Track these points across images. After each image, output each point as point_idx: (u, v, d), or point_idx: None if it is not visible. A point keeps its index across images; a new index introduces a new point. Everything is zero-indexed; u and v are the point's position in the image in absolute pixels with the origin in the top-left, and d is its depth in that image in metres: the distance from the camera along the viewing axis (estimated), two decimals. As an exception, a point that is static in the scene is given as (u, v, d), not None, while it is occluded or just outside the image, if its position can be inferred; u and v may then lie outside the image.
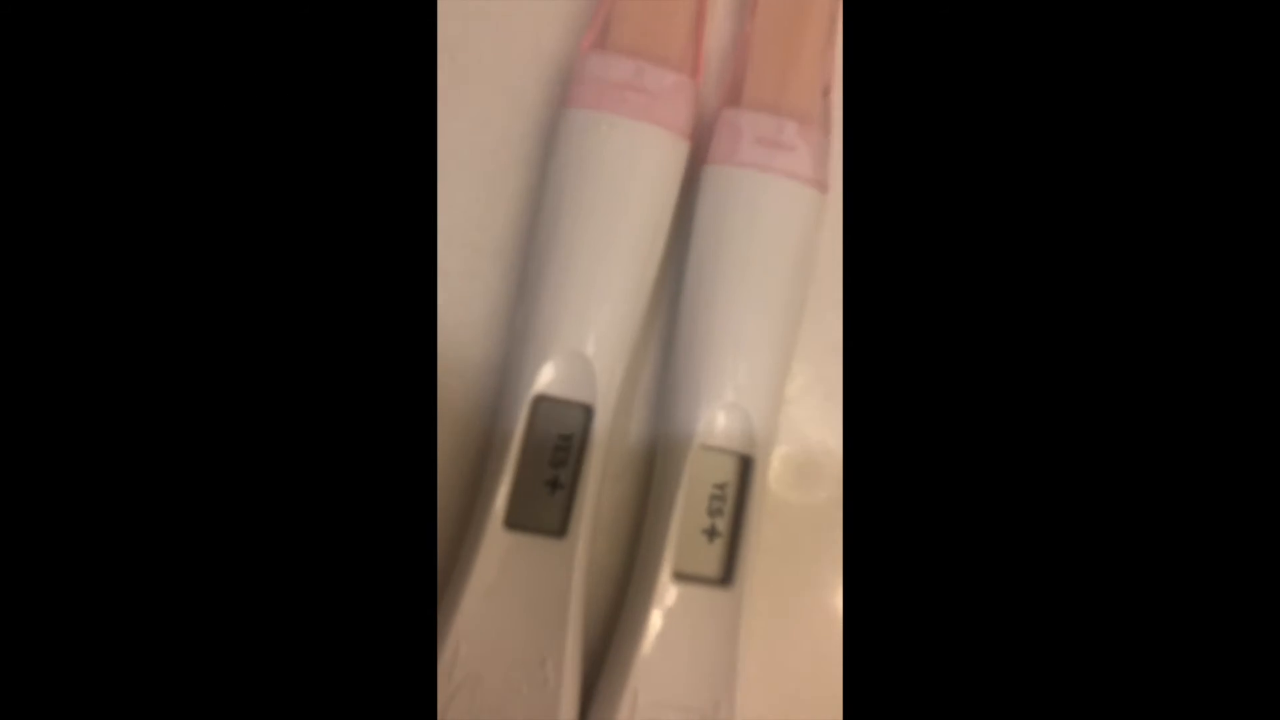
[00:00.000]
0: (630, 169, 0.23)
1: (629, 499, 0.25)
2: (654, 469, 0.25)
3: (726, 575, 0.24)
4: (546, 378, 0.23)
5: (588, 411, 0.23)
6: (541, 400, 0.23)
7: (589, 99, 0.23)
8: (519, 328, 0.24)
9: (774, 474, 0.26)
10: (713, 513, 0.24)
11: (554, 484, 0.23)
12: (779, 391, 0.25)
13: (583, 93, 0.23)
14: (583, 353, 0.23)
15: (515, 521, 0.23)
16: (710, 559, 0.24)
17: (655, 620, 0.23)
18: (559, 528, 0.23)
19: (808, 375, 0.27)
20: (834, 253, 0.26)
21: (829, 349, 0.27)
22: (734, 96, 0.25)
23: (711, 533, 0.24)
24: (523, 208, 0.25)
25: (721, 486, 0.24)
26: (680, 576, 0.24)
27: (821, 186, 0.25)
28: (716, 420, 0.24)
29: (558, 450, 0.23)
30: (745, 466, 0.24)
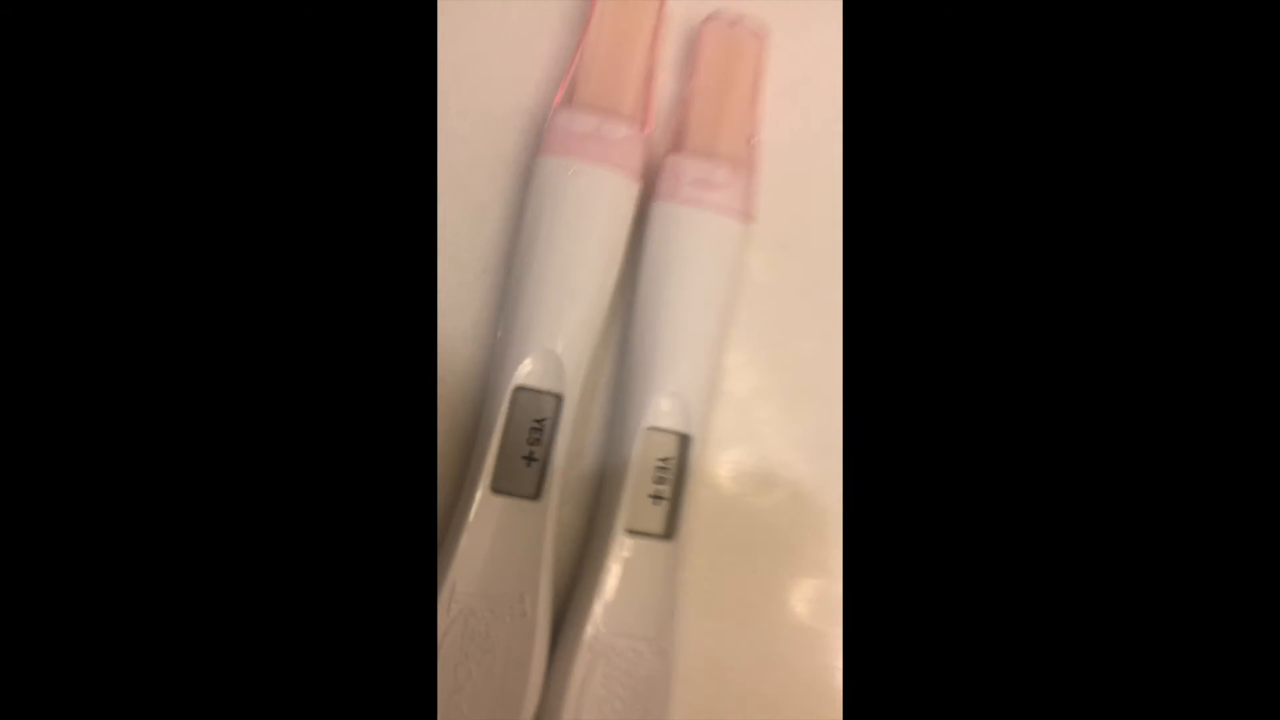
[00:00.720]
0: (591, 205, 0.29)
1: (592, 470, 0.31)
2: (611, 446, 0.31)
3: (668, 531, 0.30)
4: (524, 372, 0.28)
5: (558, 400, 0.28)
6: (520, 390, 0.29)
7: (558, 147, 0.29)
8: (502, 332, 0.29)
9: (732, 477, 0.32)
10: (658, 481, 0.30)
11: (530, 458, 0.29)
12: (713, 382, 0.31)
13: (552, 142, 0.29)
14: (554, 351, 0.28)
15: (499, 487, 0.28)
16: (656, 518, 0.30)
17: (611, 567, 0.29)
18: (534, 493, 0.28)
19: (772, 386, 0.33)
20: (798, 277, 0.33)
21: (794, 364, 0.33)
22: (677, 144, 0.31)
23: (656, 497, 0.30)
24: (505, 235, 0.31)
25: (665, 460, 0.30)
26: (631, 532, 0.29)
27: (747, 218, 0.31)
28: (661, 407, 0.30)
29: (533, 431, 0.29)
30: (684, 443, 0.30)
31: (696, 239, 0.30)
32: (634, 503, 0.30)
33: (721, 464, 0.33)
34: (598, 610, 0.28)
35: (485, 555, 0.28)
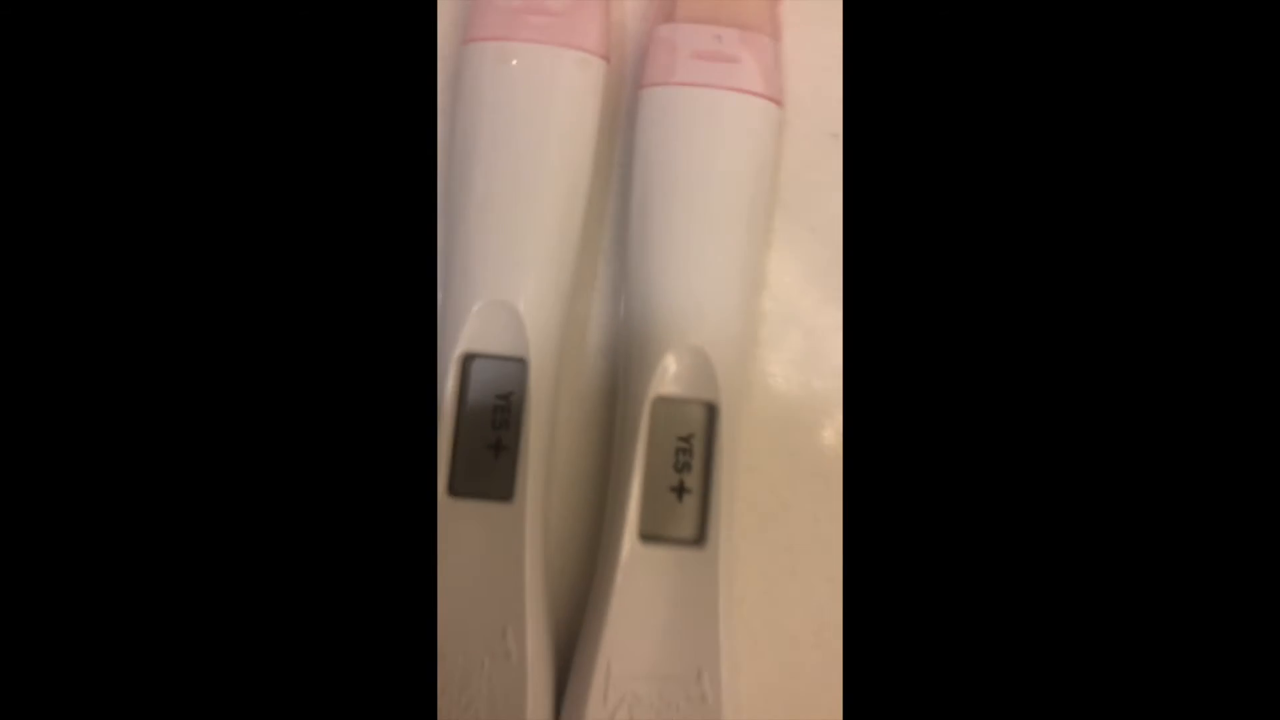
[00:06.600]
0: (540, 98, 0.22)
1: (589, 458, 0.25)
2: (614, 426, 0.24)
3: (700, 535, 0.23)
4: (473, 334, 0.22)
5: (522, 365, 0.22)
6: (471, 358, 0.23)
7: (489, 30, 0.23)
8: (443, 285, 0.23)
9: (790, 453, 0.25)
10: (680, 468, 0.23)
11: (497, 446, 0.23)
12: (747, 329, 0.24)
13: (482, 24, 0.23)
14: (508, 302, 0.22)
15: (460, 489, 0.23)
16: (681, 517, 0.23)
17: (624, 587, 0.23)
18: (506, 493, 0.22)
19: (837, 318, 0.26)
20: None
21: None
22: (668, 12, 0.24)
23: (681, 490, 0.23)
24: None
25: (688, 439, 0.24)
26: (649, 538, 0.23)
27: (773, 98, 0.24)
28: (671, 367, 0.23)
29: (497, 411, 0.23)
30: (711, 415, 0.23)
31: (704, 130, 0.23)
32: (650, 499, 0.23)
33: (771, 435, 0.26)
34: (611, 647, 0.22)
35: (449, 578, 0.22)
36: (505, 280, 0.22)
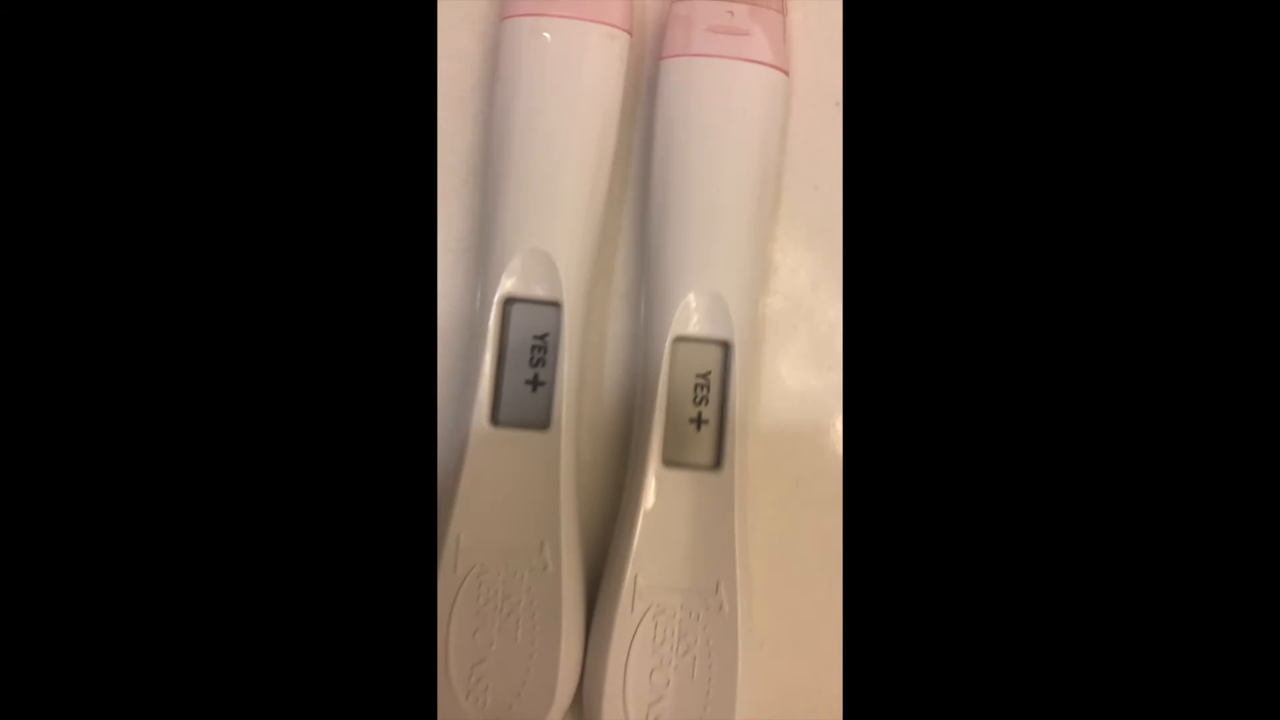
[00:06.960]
0: (569, 68, 0.25)
1: (616, 392, 0.27)
2: (636, 362, 0.27)
3: (717, 461, 0.26)
4: (513, 280, 0.25)
5: (557, 308, 0.25)
6: (511, 302, 0.25)
7: (525, 6, 0.25)
8: (484, 237, 0.26)
9: (800, 392, 0.28)
10: (698, 401, 0.26)
11: (534, 382, 0.25)
12: (757, 276, 0.27)
13: (519, 1, 0.25)
14: (544, 250, 0.25)
15: (502, 419, 0.25)
16: (700, 446, 0.26)
17: (649, 507, 0.25)
18: (543, 422, 0.25)
19: (837, 274, 0.28)
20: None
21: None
22: (684, -12, 0.27)
23: (699, 421, 0.26)
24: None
25: (705, 375, 0.26)
26: (671, 463, 0.26)
27: (781, 68, 0.26)
28: (692, 310, 0.26)
29: (534, 350, 0.25)
30: (726, 353, 0.26)
31: (717, 97, 0.25)
32: (671, 429, 0.26)
33: (781, 374, 0.28)
34: (637, 560, 0.25)
35: (492, 500, 0.25)
36: (542, 231, 0.25)
